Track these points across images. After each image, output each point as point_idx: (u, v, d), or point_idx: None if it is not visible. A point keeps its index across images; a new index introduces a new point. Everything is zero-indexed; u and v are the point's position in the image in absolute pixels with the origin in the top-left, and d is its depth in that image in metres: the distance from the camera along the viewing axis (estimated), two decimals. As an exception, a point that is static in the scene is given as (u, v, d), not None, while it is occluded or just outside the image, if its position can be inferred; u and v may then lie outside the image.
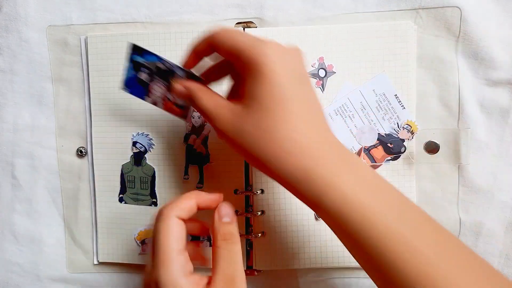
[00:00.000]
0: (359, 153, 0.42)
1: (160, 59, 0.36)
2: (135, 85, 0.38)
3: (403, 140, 0.42)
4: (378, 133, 0.42)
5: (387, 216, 0.27)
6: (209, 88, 0.34)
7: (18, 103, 0.46)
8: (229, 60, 0.33)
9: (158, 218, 0.31)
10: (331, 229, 0.30)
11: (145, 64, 0.37)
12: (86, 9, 0.44)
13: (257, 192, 0.42)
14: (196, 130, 0.43)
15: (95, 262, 0.46)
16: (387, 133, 0.42)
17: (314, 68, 0.42)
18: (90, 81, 0.44)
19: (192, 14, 0.44)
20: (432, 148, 0.41)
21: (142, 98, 0.39)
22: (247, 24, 0.43)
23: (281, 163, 0.28)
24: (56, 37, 0.45)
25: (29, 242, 0.47)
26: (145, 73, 0.37)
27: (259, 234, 0.43)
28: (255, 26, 0.43)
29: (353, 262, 0.42)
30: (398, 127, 0.42)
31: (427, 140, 0.42)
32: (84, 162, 0.46)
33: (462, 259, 0.28)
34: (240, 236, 0.43)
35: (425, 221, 0.29)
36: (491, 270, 0.28)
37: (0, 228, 0.47)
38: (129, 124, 0.44)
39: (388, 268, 0.27)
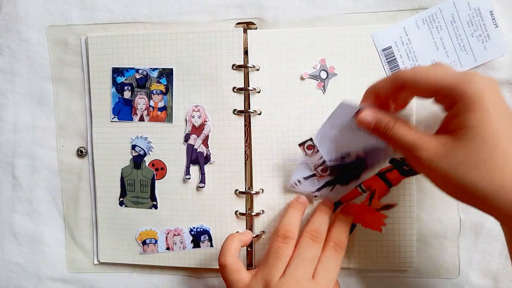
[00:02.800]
0: (373, 179, 0.40)
1: (136, 70, 0.41)
2: (121, 109, 0.43)
3: None
4: (393, 159, 0.40)
5: None
6: (403, 119, 0.33)
7: (18, 103, 0.46)
8: (425, 97, 0.32)
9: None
10: None
11: (126, 82, 0.42)
12: (86, 9, 0.44)
13: (257, 192, 0.42)
14: (196, 130, 0.43)
15: (95, 262, 0.46)
16: (402, 157, 0.39)
17: (316, 69, 0.42)
18: (90, 81, 0.44)
19: (192, 14, 0.44)
20: (432, 148, 0.41)
21: (131, 120, 0.43)
22: (247, 25, 0.43)
23: (500, 193, 0.28)
24: (56, 37, 0.45)
25: (29, 242, 0.47)
26: (128, 90, 0.42)
27: (259, 234, 0.43)
28: (256, 26, 0.43)
29: (352, 262, 0.43)
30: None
31: (427, 140, 0.41)
32: (84, 162, 0.46)
33: None
34: (241, 236, 0.43)
35: None
36: None
37: (0, 228, 0.47)
38: (128, 126, 0.44)
39: None
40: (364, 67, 0.42)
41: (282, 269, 0.36)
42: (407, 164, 0.39)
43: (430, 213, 0.43)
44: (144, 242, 0.45)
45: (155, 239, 0.44)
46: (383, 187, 0.40)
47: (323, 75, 0.42)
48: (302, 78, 0.42)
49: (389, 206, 0.42)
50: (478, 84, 0.29)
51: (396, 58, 0.41)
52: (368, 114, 0.34)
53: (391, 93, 0.34)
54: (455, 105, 0.30)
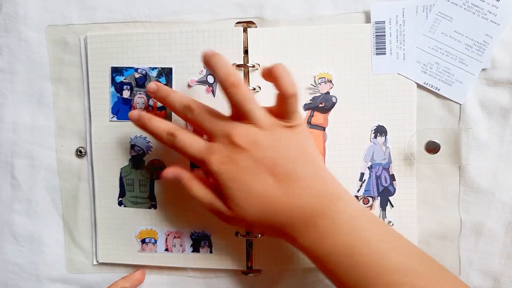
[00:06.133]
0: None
1: (135, 69, 0.42)
2: (121, 108, 0.43)
3: (328, 93, 0.42)
4: (305, 104, 0.42)
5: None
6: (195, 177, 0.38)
7: (17, 103, 0.46)
8: None
9: None
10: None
11: (125, 81, 0.42)
12: (85, 8, 0.44)
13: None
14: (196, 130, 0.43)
15: (95, 263, 0.46)
16: (311, 98, 0.42)
17: (202, 75, 0.42)
18: (89, 81, 0.44)
19: (192, 14, 0.43)
20: (432, 148, 0.41)
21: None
22: (247, 24, 0.43)
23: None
24: (56, 37, 0.45)
25: (28, 242, 0.47)
26: (127, 90, 0.42)
27: (259, 234, 0.42)
28: (256, 26, 0.43)
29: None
30: (315, 82, 0.42)
31: (428, 140, 0.41)
32: (84, 162, 0.46)
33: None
34: (240, 236, 0.43)
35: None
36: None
37: (-1, 228, 0.47)
38: (128, 126, 0.44)
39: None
40: (366, 65, 0.42)
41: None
42: (321, 100, 0.42)
43: (431, 214, 0.43)
44: (143, 241, 0.44)
45: (154, 238, 0.44)
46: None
47: (210, 79, 0.42)
48: (189, 86, 0.42)
49: None
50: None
51: (385, 35, 0.41)
52: (169, 172, 0.38)
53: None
54: None
